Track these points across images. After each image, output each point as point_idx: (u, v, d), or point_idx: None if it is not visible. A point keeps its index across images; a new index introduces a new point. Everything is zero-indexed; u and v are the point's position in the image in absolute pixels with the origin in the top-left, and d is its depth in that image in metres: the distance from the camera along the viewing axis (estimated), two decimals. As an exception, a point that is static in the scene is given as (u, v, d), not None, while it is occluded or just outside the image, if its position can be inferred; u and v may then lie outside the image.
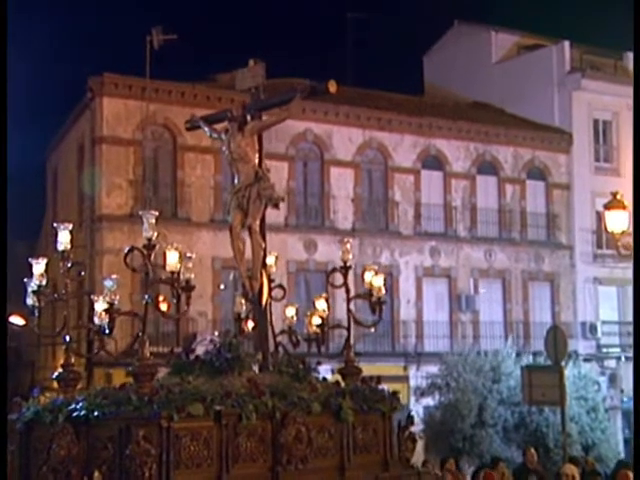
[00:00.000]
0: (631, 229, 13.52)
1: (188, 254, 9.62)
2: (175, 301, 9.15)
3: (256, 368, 9.41)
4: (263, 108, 10.28)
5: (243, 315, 10.34)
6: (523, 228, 30.84)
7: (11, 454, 8.85)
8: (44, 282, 9.35)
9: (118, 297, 8.93)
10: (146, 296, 8.57)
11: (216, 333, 10.37)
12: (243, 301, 10.33)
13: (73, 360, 9.50)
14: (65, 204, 29.39)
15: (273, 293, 10.09)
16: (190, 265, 9.53)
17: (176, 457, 7.88)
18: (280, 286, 10.29)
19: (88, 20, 48.00)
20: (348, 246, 10.47)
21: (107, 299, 8.77)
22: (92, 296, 9.18)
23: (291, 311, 10.73)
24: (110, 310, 8.73)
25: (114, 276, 9.06)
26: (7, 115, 13.09)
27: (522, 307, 30.35)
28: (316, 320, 10.39)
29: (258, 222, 9.85)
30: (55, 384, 9.47)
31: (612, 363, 30.66)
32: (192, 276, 9.43)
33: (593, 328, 30.54)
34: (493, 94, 34.15)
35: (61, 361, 9.53)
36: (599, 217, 27.92)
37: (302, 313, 10.77)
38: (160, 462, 7.76)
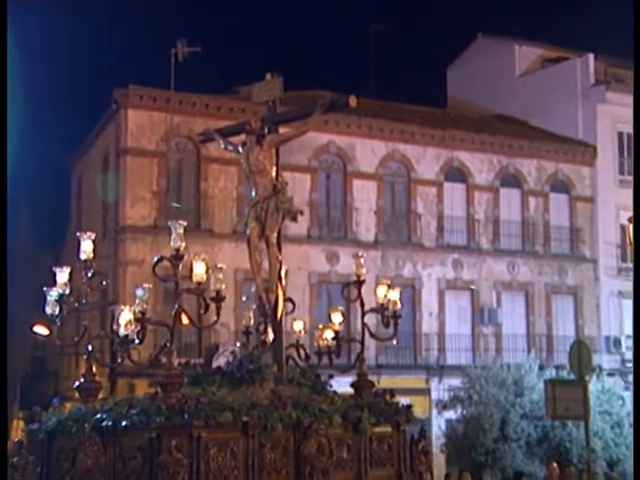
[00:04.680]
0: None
1: (219, 265, 9.68)
2: (202, 312, 9.18)
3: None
4: (283, 121, 10.32)
5: (252, 328, 10.34)
6: (546, 241, 30.66)
7: (31, 464, 8.88)
8: (67, 291, 9.41)
9: (148, 307, 8.93)
10: (176, 306, 8.60)
11: (237, 344, 10.39)
12: (251, 314, 10.35)
13: (96, 370, 9.53)
14: (89, 214, 29.55)
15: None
16: (221, 276, 9.59)
17: (205, 467, 7.89)
18: (289, 299, 10.22)
19: (113, 33, 48.38)
20: (362, 260, 10.49)
21: (139, 308, 8.76)
22: (112, 306, 9.21)
23: (299, 325, 10.70)
24: (141, 319, 8.72)
25: (146, 285, 9.00)
26: (7, 116, 13.28)
27: (545, 320, 30.14)
28: (329, 333, 10.37)
29: (275, 235, 9.86)
30: (76, 394, 9.50)
31: (637, 378, 30.33)
32: (223, 287, 9.46)
33: (617, 342, 30.27)
34: (517, 107, 34.08)
35: (83, 371, 9.57)
36: (623, 230, 27.70)
37: (322, 325, 10.76)
38: (190, 472, 7.76)
